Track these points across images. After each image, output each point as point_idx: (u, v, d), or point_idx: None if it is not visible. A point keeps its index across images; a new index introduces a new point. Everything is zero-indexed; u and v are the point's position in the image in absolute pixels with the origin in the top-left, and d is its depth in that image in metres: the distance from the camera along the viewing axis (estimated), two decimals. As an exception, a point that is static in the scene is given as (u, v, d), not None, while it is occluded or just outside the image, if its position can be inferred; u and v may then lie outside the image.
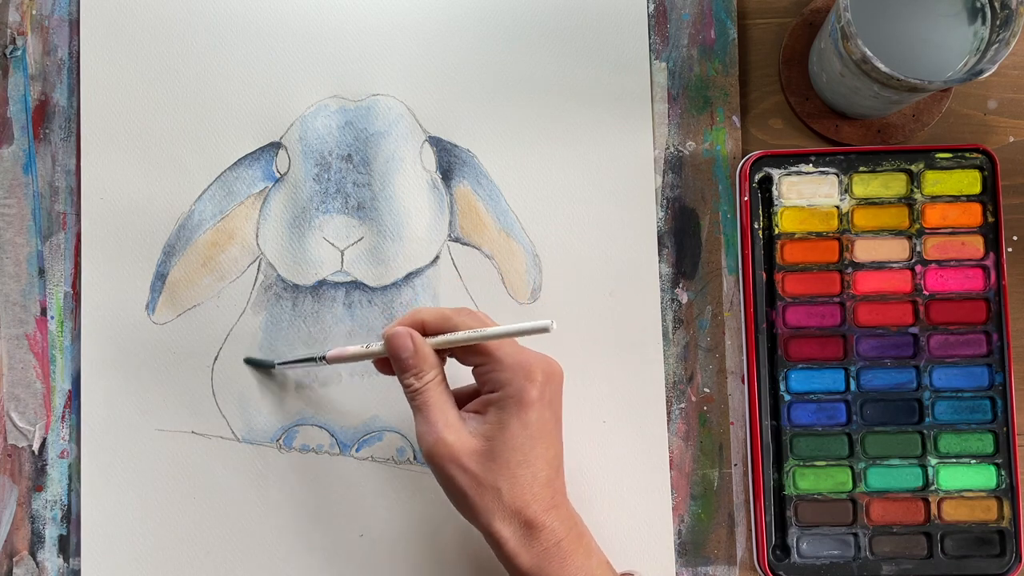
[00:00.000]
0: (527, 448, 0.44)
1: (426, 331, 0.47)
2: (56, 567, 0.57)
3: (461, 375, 0.49)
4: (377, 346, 0.49)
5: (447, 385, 0.47)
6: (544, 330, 0.44)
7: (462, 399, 0.49)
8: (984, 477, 0.56)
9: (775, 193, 0.57)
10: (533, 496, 0.44)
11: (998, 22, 0.51)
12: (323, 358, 0.52)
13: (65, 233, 0.58)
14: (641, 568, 0.56)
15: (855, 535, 0.56)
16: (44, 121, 0.58)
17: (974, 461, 0.56)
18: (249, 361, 0.57)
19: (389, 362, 0.48)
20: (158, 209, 0.58)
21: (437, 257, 0.58)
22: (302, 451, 0.57)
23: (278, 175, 0.58)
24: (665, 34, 0.59)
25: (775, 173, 0.57)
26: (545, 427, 0.45)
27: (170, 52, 0.58)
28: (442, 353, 0.48)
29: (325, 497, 0.57)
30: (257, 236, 0.58)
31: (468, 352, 0.47)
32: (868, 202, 0.57)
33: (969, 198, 0.57)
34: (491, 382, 0.46)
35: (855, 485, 0.56)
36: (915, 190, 0.57)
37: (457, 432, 0.45)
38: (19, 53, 0.58)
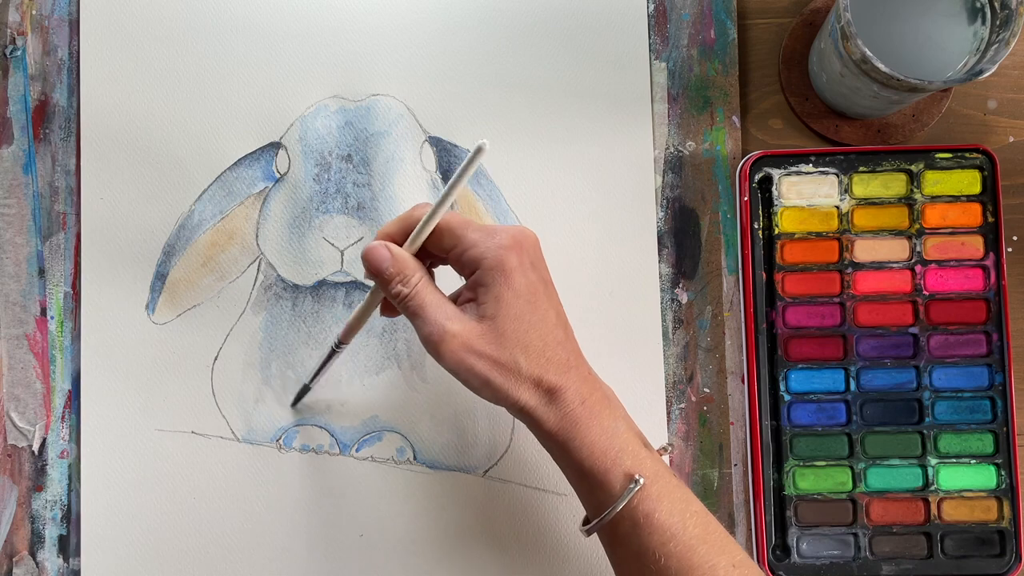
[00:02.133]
0: (528, 313, 0.44)
1: (396, 241, 0.46)
2: (56, 567, 0.57)
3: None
4: (369, 293, 0.48)
5: (435, 284, 0.46)
6: (480, 152, 0.42)
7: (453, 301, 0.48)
8: (984, 477, 0.56)
9: (775, 193, 0.57)
10: (548, 360, 0.44)
11: (998, 22, 0.51)
12: (340, 343, 0.51)
13: (65, 233, 0.58)
14: None
15: (855, 535, 0.56)
16: (44, 121, 0.58)
17: (974, 461, 0.56)
18: (295, 404, 0.57)
19: (388, 301, 0.47)
20: (158, 209, 0.58)
21: (437, 257, 0.58)
22: (302, 451, 0.57)
23: (278, 175, 0.58)
24: (665, 34, 0.59)
25: (775, 173, 0.57)
26: (536, 290, 0.45)
27: (170, 52, 0.58)
28: (422, 260, 0.46)
29: (325, 497, 0.57)
30: (257, 236, 0.58)
31: (438, 242, 0.46)
32: (868, 202, 0.57)
33: (969, 198, 0.57)
34: (469, 263, 0.45)
35: (855, 485, 0.56)
36: (915, 190, 0.57)
37: (461, 321, 0.44)
38: (19, 53, 0.59)
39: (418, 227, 0.45)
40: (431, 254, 0.47)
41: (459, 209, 0.58)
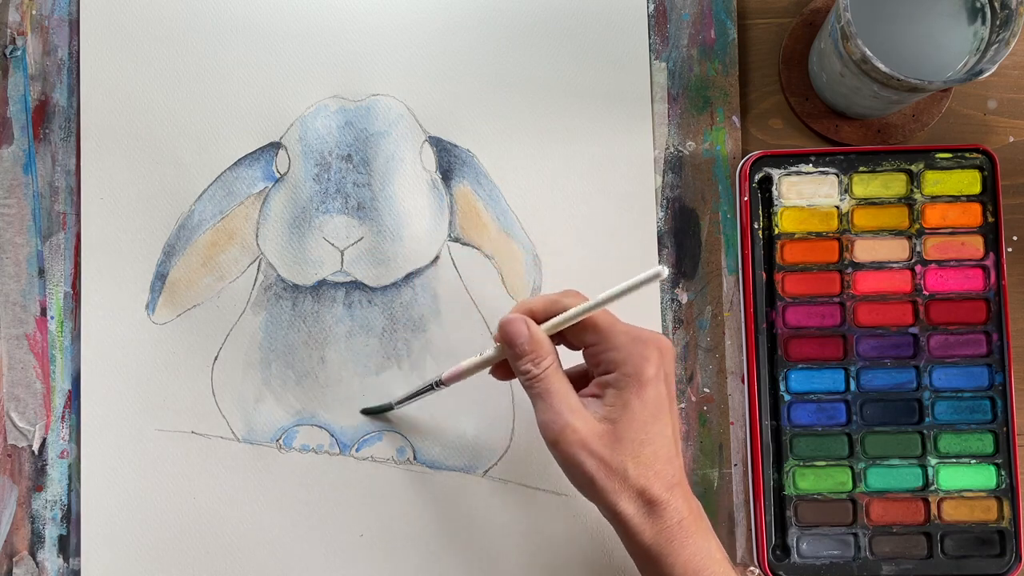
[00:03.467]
0: (648, 426, 0.44)
1: (536, 319, 0.46)
2: (56, 567, 0.57)
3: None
4: (491, 351, 0.48)
5: (563, 372, 0.46)
6: (657, 276, 0.42)
7: (573, 382, 0.48)
8: (984, 477, 0.56)
9: (775, 193, 0.57)
10: (656, 474, 0.44)
11: (998, 22, 0.51)
12: (440, 382, 0.51)
13: (65, 233, 0.58)
14: None
15: (855, 535, 0.56)
16: (44, 121, 0.58)
17: (974, 461, 0.56)
18: (366, 411, 0.57)
19: (504, 366, 0.48)
20: (158, 209, 0.58)
21: (437, 257, 0.58)
22: (302, 451, 0.57)
23: (278, 175, 0.58)
24: (665, 34, 0.59)
25: (775, 173, 0.57)
26: (662, 404, 0.45)
27: (170, 52, 0.58)
28: (553, 340, 0.47)
29: (325, 497, 0.57)
30: (257, 236, 0.58)
31: (579, 332, 0.46)
32: (868, 202, 0.57)
33: (969, 198, 0.57)
34: (605, 363, 0.45)
35: (855, 485, 0.56)
36: (915, 190, 0.57)
37: (583, 417, 0.44)
38: (19, 53, 0.59)
39: (564, 316, 0.45)
40: (563, 338, 0.47)
41: (459, 209, 0.58)
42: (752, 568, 0.48)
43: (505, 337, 0.46)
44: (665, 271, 0.42)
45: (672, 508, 0.44)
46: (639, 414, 0.44)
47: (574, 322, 0.46)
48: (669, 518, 0.44)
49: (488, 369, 0.49)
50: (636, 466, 0.44)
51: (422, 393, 0.52)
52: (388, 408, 0.56)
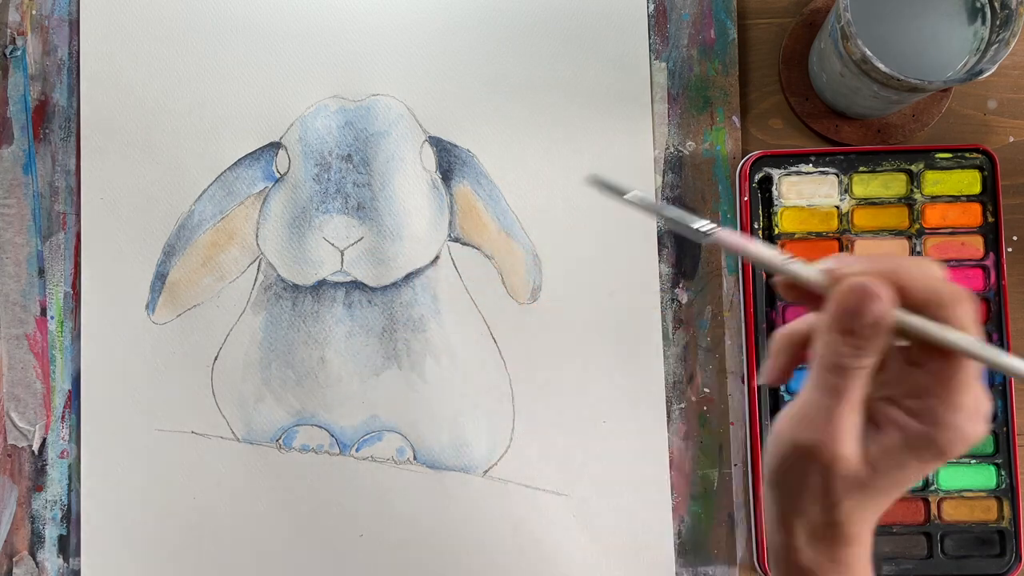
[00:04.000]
0: (893, 499, 0.37)
1: (906, 299, 0.33)
2: (56, 567, 0.57)
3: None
4: (812, 272, 0.35)
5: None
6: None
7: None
8: (984, 477, 0.56)
9: (775, 193, 0.57)
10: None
11: (998, 22, 0.51)
12: (708, 233, 0.37)
13: (65, 233, 0.58)
14: (640, 570, 0.56)
15: (855, 535, 0.56)
16: (44, 121, 0.58)
17: (974, 461, 0.56)
18: (595, 180, 0.39)
19: (815, 294, 0.35)
20: (158, 209, 0.58)
21: (437, 257, 0.58)
22: (302, 451, 0.57)
23: (278, 175, 0.58)
24: (665, 34, 0.59)
25: (775, 173, 0.57)
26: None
27: (170, 52, 0.58)
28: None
29: (325, 497, 0.57)
30: (257, 236, 0.58)
31: (932, 353, 0.34)
32: (868, 202, 0.57)
33: (969, 198, 0.57)
34: (927, 412, 0.34)
35: (855, 485, 0.56)
36: (915, 190, 0.57)
37: (852, 445, 0.35)
38: (19, 53, 0.59)
39: (948, 335, 0.33)
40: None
41: (459, 209, 0.58)
42: None
43: (849, 301, 0.33)
44: None
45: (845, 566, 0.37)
46: (901, 484, 0.36)
47: (951, 347, 0.33)
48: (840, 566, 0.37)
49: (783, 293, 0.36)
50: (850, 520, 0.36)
51: (679, 225, 0.37)
52: (622, 193, 0.39)
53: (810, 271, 0.35)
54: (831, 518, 0.36)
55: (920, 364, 0.34)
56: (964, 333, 0.33)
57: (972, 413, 0.34)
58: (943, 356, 0.33)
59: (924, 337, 0.33)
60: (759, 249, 0.36)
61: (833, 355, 0.34)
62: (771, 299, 0.57)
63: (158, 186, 0.58)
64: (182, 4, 0.59)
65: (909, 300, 0.33)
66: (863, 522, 0.36)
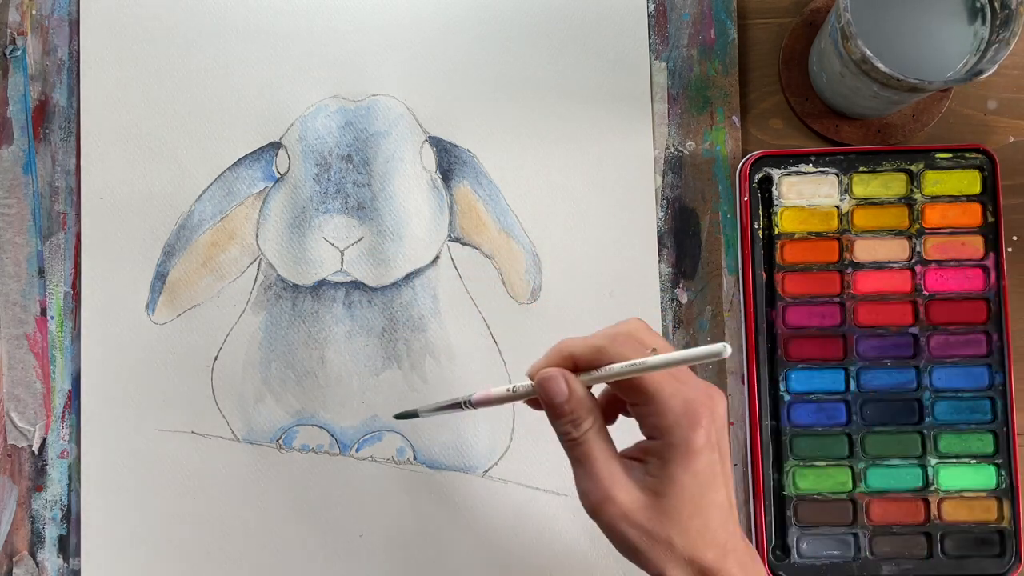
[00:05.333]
0: (697, 498, 0.41)
1: (577, 367, 0.42)
2: (56, 567, 0.57)
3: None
4: (525, 386, 0.44)
5: (607, 431, 0.43)
6: (716, 356, 0.38)
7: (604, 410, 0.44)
8: (984, 477, 0.56)
9: (775, 193, 0.57)
10: (706, 543, 0.41)
11: (998, 22, 0.51)
12: (469, 402, 0.47)
13: (65, 233, 0.58)
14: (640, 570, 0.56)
15: (855, 535, 0.56)
16: (44, 121, 0.58)
17: (974, 461, 0.56)
18: (399, 416, 0.52)
19: (536, 401, 0.44)
20: (158, 209, 0.58)
21: (437, 257, 0.58)
22: (302, 451, 0.57)
23: (278, 175, 0.58)
24: (665, 34, 0.59)
25: (775, 173, 0.57)
26: (713, 471, 0.41)
27: (170, 52, 0.58)
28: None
29: (325, 497, 0.57)
30: (257, 236, 0.58)
31: (624, 387, 0.41)
32: (868, 202, 0.57)
33: (969, 198, 0.57)
34: (650, 427, 0.41)
35: (855, 485, 0.56)
36: (915, 190, 0.57)
37: (625, 488, 0.41)
38: (19, 53, 0.59)
39: (606, 371, 0.41)
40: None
41: (459, 209, 0.58)
42: None
43: (543, 394, 0.42)
44: (728, 350, 0.38)
45: (724, 574, 0.41)
46: (687, 488, 0.41)
47: (617, 379, 0.41)
48: None
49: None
50: (684, 538, 0.41)
51: (450, 408, 0.49)
52: (414, 415, 0.51)
53: (526, 386, 0.44)
54: (678, 551, 0.41)
55: (628, 399, 0.42)
56: (613, 364, 0.40)
57: (680, 410, 0.40)
58: (627, 384, 0.41)
59: (601, 381, 0.41)
60: (497, 393, 0.45)
61: (562, 434, 0.42)
62: (771, 299, 0.57)
63: (158, 186, 0.58)
64: (182, 4, 0.59)
65: (582, 364, 0.42)
66: (694, 539, 0.41)
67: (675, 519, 0.41)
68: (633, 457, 0.42)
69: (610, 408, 0.45)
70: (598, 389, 0.44)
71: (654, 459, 0.41)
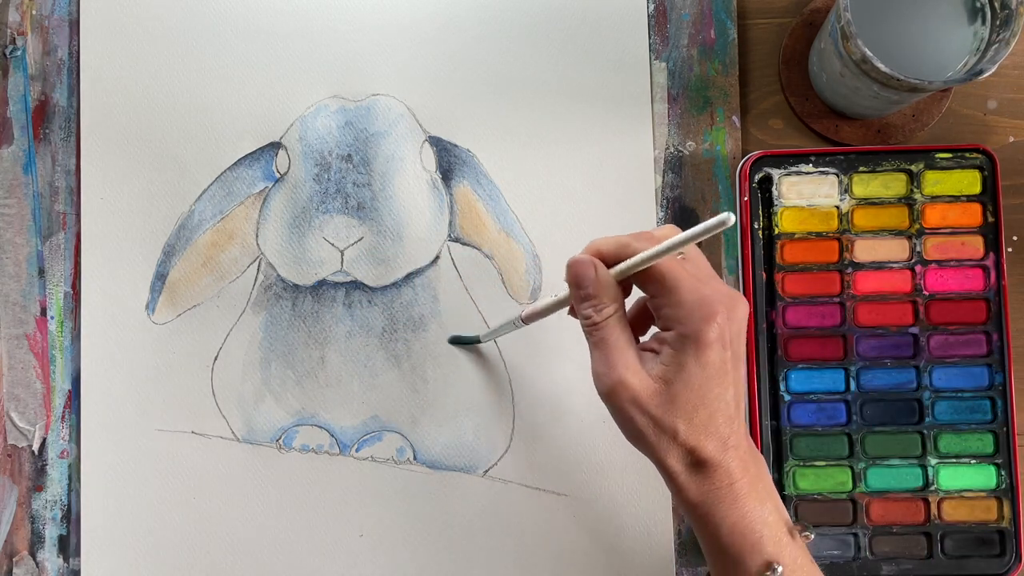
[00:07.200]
0: (705, 389, 0.42)
1: (607, 261, 0.44)
2: (56, 567, 0.57)
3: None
4: (565, 291, 0.46)
5: (627, 322, 0.44)
6: (723, 224, 0.39)
7: (637, 321, 0.47)
8: (984, 477, 0.56)
9: (775, 193, 0.57)
10: (708, 436, 0.43)
11: (998, 22, 0.51)
12: (521, 320, 0.50)
13: (65, 233, 0.58)
14: (640, 570, 0.56)
15: (855, 535, 0.56)
16: (44, 121, 0.58)
17: (974, 461, 0.56)
18: (454, 340, 0.56)
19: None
20: (158, 209, 0.58)
21: (437, 257, 0.58)
22: (302, 451, 0.57)
23: (278, 175, 0.58)
24: (665, 34, 0.59)
25: (775, 173, 0.57)
26: (724, 367, 0.42)
27: (170, 52, 0.58)
28: (624, 284, 0.44)
29: (325, 497, 0.57)
30: (257, 236, 0.58)
31: (645, 282, 0.44)
32: (868, 202, 0.57)
33: (969, 198, 0.57)
34: (666, 318, 0.43)
35: (855, 485, 0.56)
36: (915, 190, 0.57)
37: (637, 374, 0.43)
38: (19, 53, 0.59)
39: (633, 261, 0.43)
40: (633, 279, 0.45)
41: (459, 209, 0.58)
42: (807, 534, 0.45)
43: (571, 277, 0.44)
44: (732, 218, 0.38)
45: (722, 470, 0.43)
46: (696, 377, 0.42)
47: (642, 268, 0.43)
48: (718, 479, 0.43)
49: (566, 309, 0.48)
50: (688, 427, 0.42)
51: (504, 330, 0.53)
52: (476, 340, 0.56)
53: (565, 293, 0.46)
54: (681, 440, 0.42)
55: (649, 294, 0.44)
56: (641, 253, 0.42)
57: (696, 303, 0.42)
58: (648, 277, 0.43)
59: (627, 272, 0.43)
60: (543, 304, 0.48)
61: (583, 317, 0.44)
62: (771, 299, 0.57)
63: (158, 186, 0.58)
64: (182, 4, 0.59)
65: (609, 259, 0.44)
66: (698, 429, 0.43)
67: (681, 407, 0.42)
68: (650, 349, 0.44)
69: (639, 320, 0.47)
70: (629, 301, 0.46)
71: (667, 348, 0.43)
